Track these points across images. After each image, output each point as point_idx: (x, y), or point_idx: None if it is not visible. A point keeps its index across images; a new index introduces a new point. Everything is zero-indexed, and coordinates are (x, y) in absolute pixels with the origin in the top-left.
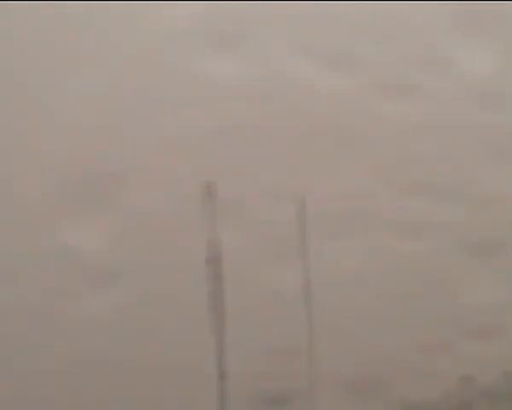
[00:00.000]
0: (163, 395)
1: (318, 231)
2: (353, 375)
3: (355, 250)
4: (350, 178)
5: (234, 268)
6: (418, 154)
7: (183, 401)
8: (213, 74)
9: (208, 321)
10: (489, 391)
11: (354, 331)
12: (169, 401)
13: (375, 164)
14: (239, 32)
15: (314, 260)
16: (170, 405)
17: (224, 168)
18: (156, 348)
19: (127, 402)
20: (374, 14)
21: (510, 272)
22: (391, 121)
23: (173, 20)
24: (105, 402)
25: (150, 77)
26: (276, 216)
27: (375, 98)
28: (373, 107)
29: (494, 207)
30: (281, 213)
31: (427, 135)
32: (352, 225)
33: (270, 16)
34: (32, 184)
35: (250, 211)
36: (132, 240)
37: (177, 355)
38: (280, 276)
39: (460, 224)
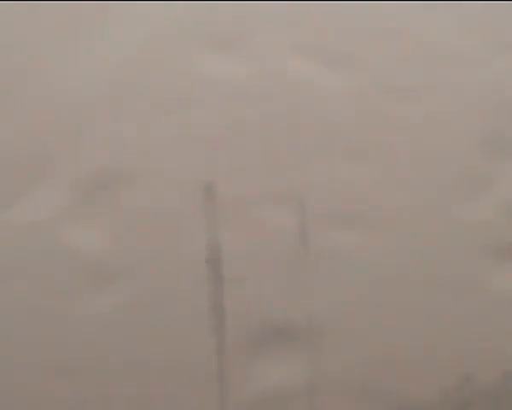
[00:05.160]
0: (162, 395)
1: (318, 231)
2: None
3: (356, 251)
4: (350, 178)
5: (234, 268)
6: (419, 153)
7: (182, 400)
8: (213, 74)
9: (208, 321)
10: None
11: (358, 335)
12: (169, 401)
13: (375, 164)
14: (239, 32)
15: (314, 260)
16: (169, 405)
17: (224, 168)
18: (156, 348)
19: (127, 402)
20: (375, 14)
21: None
22: (391, 121)
23: (173, 20)
24: (105, 402)
25: (149, 76)
26: (276, 216)
27: (375, 98)
28: (373, 107)
29: None
30: (281, 213)
31: (428, 135)
32: (353, 226)
33: (270, 16)
34: (31, 183)
35: (250, 211)
36: (132, 240)
37: (176, 355)
38: (280, 275)
39: (461, 224)
